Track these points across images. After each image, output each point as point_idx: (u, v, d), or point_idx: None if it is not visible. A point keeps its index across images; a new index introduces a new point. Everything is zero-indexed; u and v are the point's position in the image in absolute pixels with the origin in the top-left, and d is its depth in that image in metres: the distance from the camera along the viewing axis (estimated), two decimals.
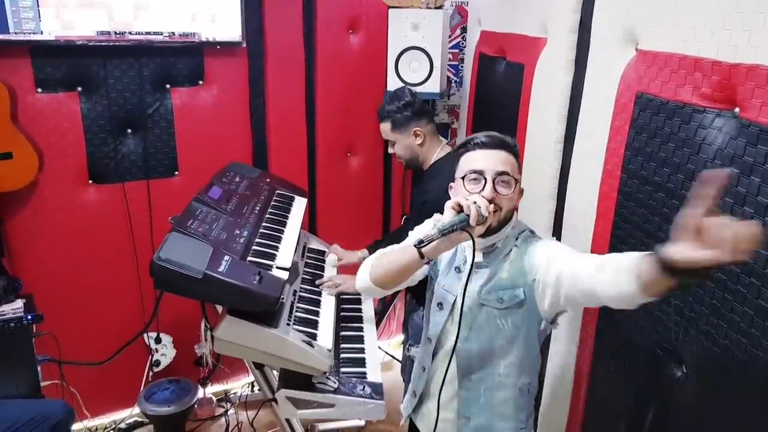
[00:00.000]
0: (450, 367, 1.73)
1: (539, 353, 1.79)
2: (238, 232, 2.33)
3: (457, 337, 1.69)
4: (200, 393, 3.12)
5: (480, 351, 1.72)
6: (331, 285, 2.62)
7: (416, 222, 2.30)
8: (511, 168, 1.65)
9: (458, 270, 1.76)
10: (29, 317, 2.40)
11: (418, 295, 2.19)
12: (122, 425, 3.14)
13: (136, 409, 3.02)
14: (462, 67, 3.49)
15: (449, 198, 1.66)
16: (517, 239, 1.70)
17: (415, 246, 1.56)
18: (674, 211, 1.55)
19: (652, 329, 1.66)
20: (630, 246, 1.76)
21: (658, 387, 1.63)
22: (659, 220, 1.62)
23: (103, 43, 2.62)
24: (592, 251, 1.97)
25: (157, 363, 3.10)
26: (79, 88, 2.70)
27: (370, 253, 2.51)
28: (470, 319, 1.71)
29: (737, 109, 1.35)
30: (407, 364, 2.57)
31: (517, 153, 1.70)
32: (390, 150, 2.61)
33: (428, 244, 1.53)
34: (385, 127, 2.54)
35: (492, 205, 1.57)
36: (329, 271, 2.82)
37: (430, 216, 1.90)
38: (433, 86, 3.03)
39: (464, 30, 3.42)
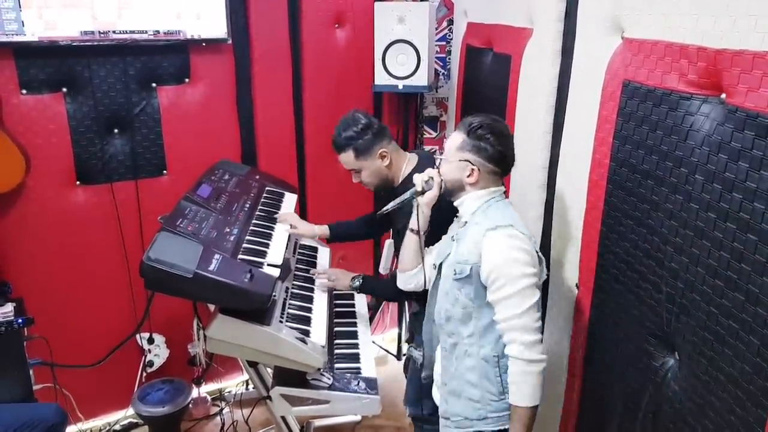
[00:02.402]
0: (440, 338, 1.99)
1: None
2: (228, 230, 2.31)
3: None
4: (194, 392, 3.12)
5: (447, 317, 1.91)
6: (325, 280, 2.59)
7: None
8: (454, 149, 1.88)
9: (453, 239, 1.94)
10: (20, 321, 2.38)
11: (424, 301, 2.17)
12: (117, 427, 3.13)
13: (131, 411, 3.01)
14: (449, 59, 3.48)
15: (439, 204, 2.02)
16: (475, 213, 1.87)
17: (378, 214, 2.12)
18: (663, 199, 1.55)
19: (644, 317, 1.67)
20: (620, 234, 1.76)
21: (652, 374, 1.64)
22: (649, 208, 1.62)
23: (87, 43, 2.60)
24: (583, 240, 1.97)
25: (151, 363, 3.08)
26: (64, 89, 2.67)
27: (331, 231, 2.60)
28: (443, 285, 1.93)
29: (724, 95, 1.35)
30: (410, 364, 2.56)
31: (474, 135, 1.85)
32: (355, 179, 2.40)
33: (390, 210, 2.05)
34: (347, 157, 2.32)
35: (435, 177, 1.95)
36: (321, 263, 2.81)
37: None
38: (421, 79, 3.02)
39: (451, 22, 3.41)
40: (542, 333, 1.81)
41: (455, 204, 1.95)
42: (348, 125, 2.30)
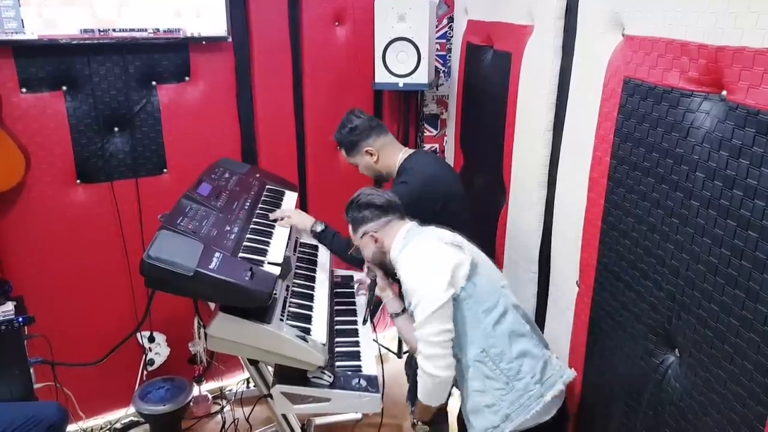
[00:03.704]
0: None
1: (468, 325, 1.91)
2: (228, 228, 2.31)
3: None
4: (195, 391, 3.12)
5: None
6: (281, 216, 2.54)
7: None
8: (352, 236, 2.20)
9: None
10: (20, 319, 2.38)
11: None
12: (117, 425, 3.13)
13: (131, 409, 3.01)
14: (450, 57, 3.47)
15: (420, 194, 2.37)
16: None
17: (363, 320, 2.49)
18: (664, 196, 1.55)
19: (645, 315, 1.67)
20: (620, 232, 1.76)
21: (652, 372, 1.64)
22: (649, 205, 1.62)
23: (86, 41, 2.59)
24: (584, 238, 1.97)
25: (151, 362, 3.08)
26: (64, 88, 2.67)
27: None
28: None
29: (724, 92, 1.35)
30: (414, 360, 2.55)
31: (349, 217, 2.19)
32: (360, 170, 2.70)
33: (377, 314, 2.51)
34: (342, 153, 2.67)
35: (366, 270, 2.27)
36: (321, 267, 2.81)
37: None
38: (421, 77, 3.02)
39: (451, 20, 3.40)
40: (450, 347, 1.86)
41: (393, 264, 2.09)
42: (341, 126, 2.61)
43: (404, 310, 2.14)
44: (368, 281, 2.28)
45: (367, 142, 2.56)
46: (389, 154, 2.58)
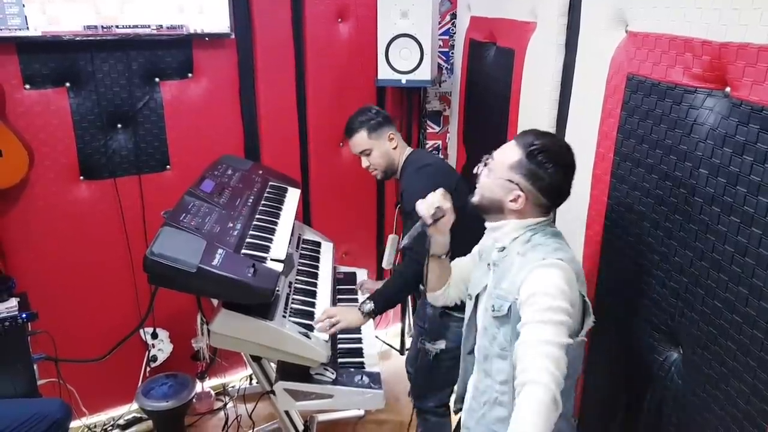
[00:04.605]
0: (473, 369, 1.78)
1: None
2: (231, 225, 2.31)
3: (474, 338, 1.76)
4: (198, 387, 3.12)
5: (485, 356, 1.68)
6: (326, 323, 2.28)
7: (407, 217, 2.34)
8: (506, 166, 1.59)
9: (489, 266, 1.71)
10: (24, 316, 2.38)
11: None
12: (121, 421, 3.13)
13: (135, 405, 3.02)
14: (453, 53, 3.47)
15: (419, 180, 2.13)
16: (516, 240, 1.62)
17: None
18: (667, 193, 1.55)
19: (649, 312, 1.66)
20: (624, 229, 1.76)
21: (656, 368, 1.63)
22: (652, 202, 1.62)
23: (90, 38, 2.59)
24: (587, 234, 1.97)
25: (154, 358, 3.09)
26: (68, 84, 2.67)
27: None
28: (482, 320, 1.71)
29: (728, 89, 1.35)
30: (420, 356, 2.52)
31: (534, 159, 1.56)
32: (364, 163, 2.57)
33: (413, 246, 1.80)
34: (360, 137, 2.50)
35: (444, 203, 1.70)
36: (324, 263, 2.81)
37: (408, 204, 2.11)
38: (424, 73, 3.01)
39: (454, 16, 3.40)
40: (561, 388, 1.39)
41: (487, 224, 1.71)
42: (362, 112, 2.56)
43: (447, 254, 1.86)
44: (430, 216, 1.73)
45: (390, 128, 2.55)
46: (402, 147, 2.59)
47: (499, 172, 1.60)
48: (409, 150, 2.61)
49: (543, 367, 1.36)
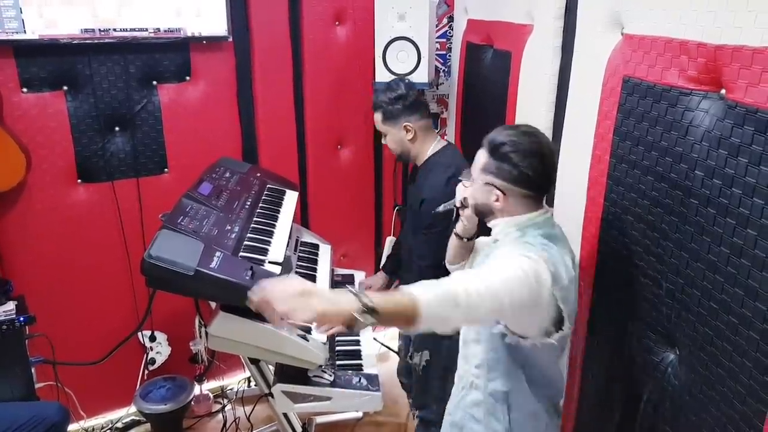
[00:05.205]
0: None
1: (515, 364, 1.66)
2: (229, 227, 2.32)
3: None
4: (196, 390, 3.12)
5: (464, 340, 1.78)
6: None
7: (414, 220, 2.31)
8: (478, 170, 1.65)
9: (486, 257, 1.73)
10: (21, 319, 2.38)
11: None
12: (119, 424, 3.13)
13: (133, 408, 3.02)
14: (450, 56, 3.48)
15: (446, 194, 1.92)
16: (509, 236, 1.64)
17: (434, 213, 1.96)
18: (663, 195, 1.55)
19: (645, 313, 1.67)
20: (620, 231, 1.76)
21: (652, 369, 1.64)
22: (649, 204, 1.62)
23: (87, 41, 2.60)
24: (583, 237, 1.97)
25: (153, 361, 3.09)
26: (65, 87, 2.68)
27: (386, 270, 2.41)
28: None
29: (723, 91, 1.35)
30: (412, 369, 2.54)
31: (497, 154, 1.60)
32: (383, 141, 2.52)
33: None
34: (377, 117, 2.45)
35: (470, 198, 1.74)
36: (322, 265, 2.81)
37: (427, 215, 2.07)
38: (422, 76, 3.01)
39: (451, 19, 3.41)
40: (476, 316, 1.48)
41: (489, 225, 1.73)
42: (386, 90, 2.42)
43: (470, 239, 1.90)
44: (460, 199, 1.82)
45: (409, 118, 2.38)
46: (426, 138, 2.43)
47: (476, 178, 1.66)
48: (436, 144, 2.44)
49: (471, 278, 1.45)
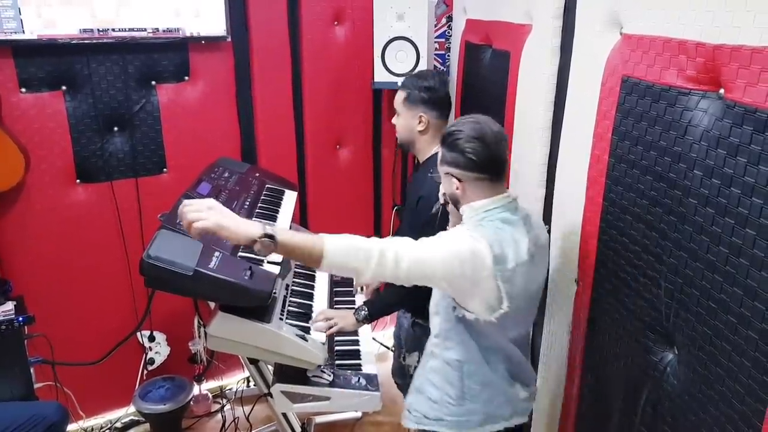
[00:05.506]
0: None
1: (468, 335, 1.75)
2: None
3: None
4: (195, 390, 3.12)
5: (430, 314, 1.89)
6: (324, 324, 2.32)
7: (411, 217, 2.31)
8: (439, 163, 1.77)
9: None
10: (20, 319, 2.38)
11: (416, 310, 2.25)
12: (118, 424, 3.13)
13: (132, 408, 3.02)
14: (449, 56, 3.48)
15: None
16: (471, 220, 1.73)
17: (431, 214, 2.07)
18: (662, 194, 1.55)
19: (643, 312, 1.67)
20: (619, 230, 1.76)
21: (651, 369, 1.64)
22: (647, 204, 1.62)
23: (86, 41, 2.60)
24: (582, 237, 1.97)
25: (152, 361, 3.08)
26: (64, 87, 2.67)
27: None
28: None
29: (722, 91, 1.35)
30: (397, 371, 2.57)
31: (446, 144, 1.72)
32: (393, 120, 2.46)
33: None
34: (400, 95, 2.39)
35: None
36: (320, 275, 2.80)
37: (423, 212, 2.12)
38: None
39: (450, 19, 3.40)
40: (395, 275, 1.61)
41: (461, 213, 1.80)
42: (419, 76, 2.41)
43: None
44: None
45: (426, 110, 2.33)
46: (433, 137, 2.35)
47: (440, 171, 1.78)
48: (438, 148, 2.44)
49: (405, 244, 1.62)
